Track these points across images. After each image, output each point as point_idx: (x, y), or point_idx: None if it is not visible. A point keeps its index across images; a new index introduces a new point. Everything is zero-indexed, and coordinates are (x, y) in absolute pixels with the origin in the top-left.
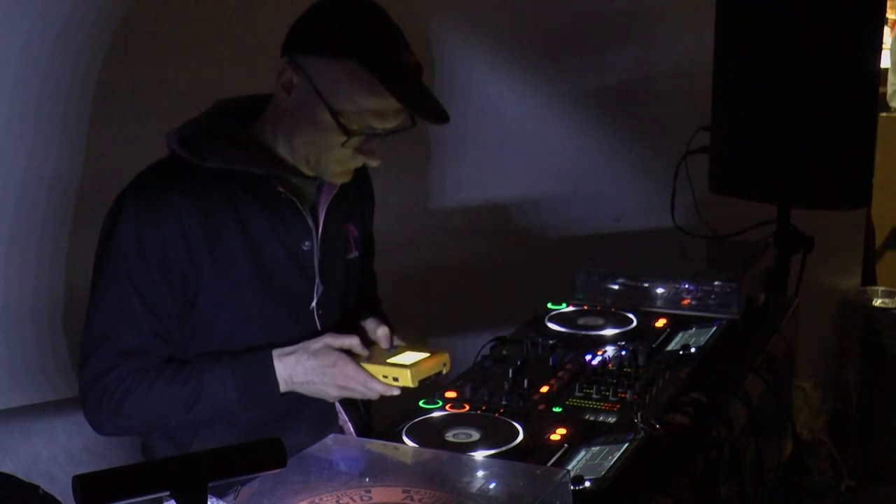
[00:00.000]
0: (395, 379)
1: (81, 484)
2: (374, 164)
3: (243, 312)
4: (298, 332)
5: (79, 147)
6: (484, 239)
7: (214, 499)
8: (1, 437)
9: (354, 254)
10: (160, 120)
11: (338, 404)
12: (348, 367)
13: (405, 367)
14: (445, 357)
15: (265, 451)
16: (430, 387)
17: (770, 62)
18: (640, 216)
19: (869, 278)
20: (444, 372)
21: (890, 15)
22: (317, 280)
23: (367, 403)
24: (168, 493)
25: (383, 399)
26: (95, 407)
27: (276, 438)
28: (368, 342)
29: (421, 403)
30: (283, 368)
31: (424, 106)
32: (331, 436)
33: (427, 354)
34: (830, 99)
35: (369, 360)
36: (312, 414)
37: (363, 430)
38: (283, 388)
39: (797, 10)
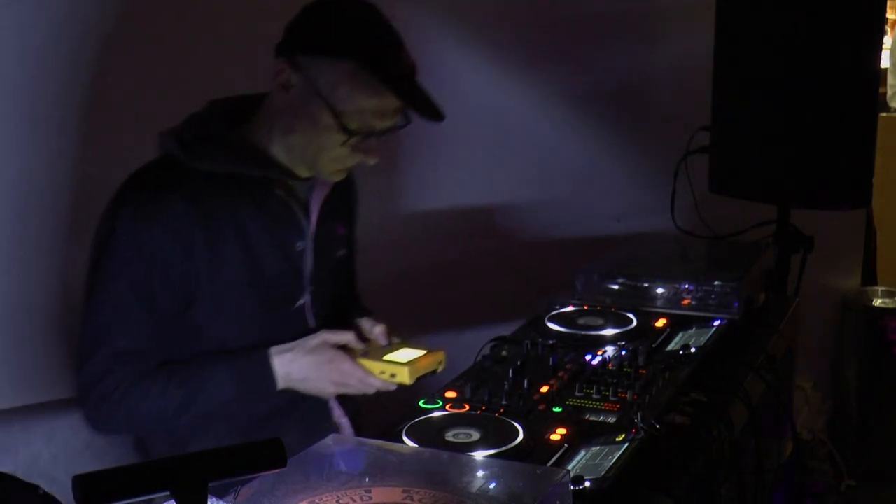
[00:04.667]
0: (392, 376)
1: (81, 484)
2: (371, 161)
3: (238, 313)
4: (292, 331)
5: (77, 147)
6: (484, 239)
7: (214, 499)
8: (1, 437)
9: (343, 252)
10: (159, 120)
11: (332, 401)
12: (345, 363)
13: (402, 364)
14: (441, 355)
15: (265, 451)
16: (427, 385)
17: (770, 62)
18: (640, 216)
19: (869, 278)
20: (440, 370)
21: (890, 15)
22: (308, 279)
23: (357, 403)
24: (168, 493)
25: (380, 399)
26: (94, 408)
27: (276, 438)
28: (364, 339)
29: (421, 403)
30: (281, 365)
31: (424, 104)
32: (331, 436)
33: (424, 352)
34: (830, 99)
35: (366, 356)
36: (305, 412)
37: (357, 428)
38: (280, 385)
39: (797, 10)
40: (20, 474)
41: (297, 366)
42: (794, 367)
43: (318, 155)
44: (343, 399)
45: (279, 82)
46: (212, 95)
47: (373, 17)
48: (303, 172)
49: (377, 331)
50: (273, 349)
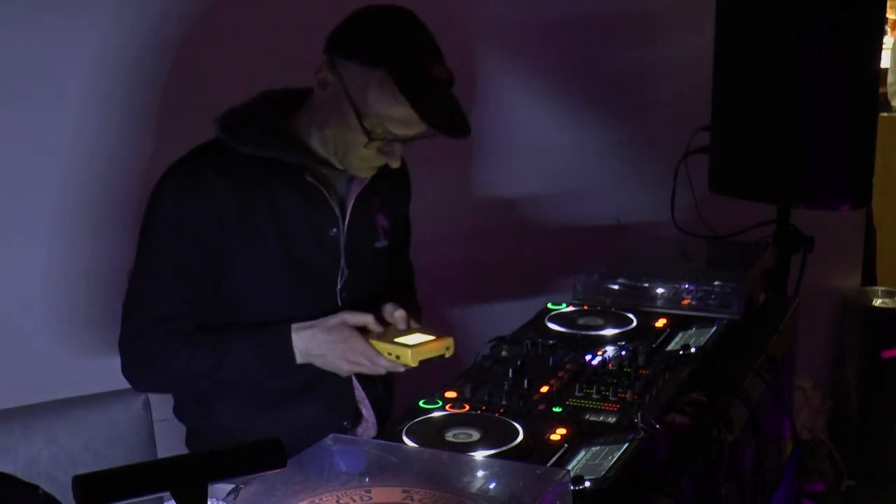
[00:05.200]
0: (398, 357)
1: (81, 484)
2: (393, 165)
3: (270, 288)
4: (322, 311)
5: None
6: (484, 239)
7: (214, 499)
8: (1, 437)
9: (383, 243)
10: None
11: (355, 380)
12: (358, 343)
13: (407, 346)
14: (450, 341)
15: (265, 451)
16: (426, 385)
17: (770, 62)
18: (640, 216)
19: (869, 278)
20: (448, 355)
21: (890, 15)
22: (342, 264)
23: (389, 388)
24: (168, 492)
25: (408, 383)
26: (129, 366)
27: (276, 438)
28: (385, 322)
29: (421, 403)
30: (300, 341)
31: (442, 119)
32: (331, 436)
33: (433, 337)
34: (830, 99)
35: (380, 337)
36: (329, 389)
37: (380, 409)
38: (299, 359)
39: (797, 10)
40: (20, 474)
41: (316, 342)
42: (794, 367)
43: (346, 152)
44: (366, 381)
45: (318, 79)
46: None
47: (410, 28)
48: (338, 165)
49: (397, 315)
50: (295, 325)
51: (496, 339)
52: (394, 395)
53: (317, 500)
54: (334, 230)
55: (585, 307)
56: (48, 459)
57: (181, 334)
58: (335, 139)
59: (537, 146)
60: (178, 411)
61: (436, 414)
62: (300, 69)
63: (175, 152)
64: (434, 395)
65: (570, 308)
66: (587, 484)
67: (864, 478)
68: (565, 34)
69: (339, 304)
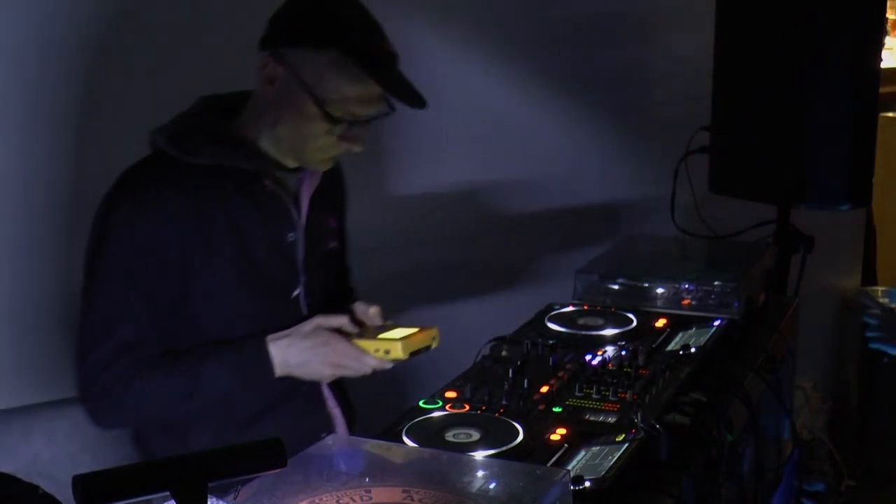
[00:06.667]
0: (387, 352)
1: (81, 484)
2: (357, 149)
3: (234, 303)
4: (286, 320)
5: (77, 146)
6: (483, 239)
7: (214, 499)
8: (1, 437)
9: (334, 244)
10: (157, 119)
11: (326, 391)
12: (340, 344)
13: (396, 340)
14: (434, 331)
15: (265, 451)
16: (426, 385)
17: (770, 62)
18: (640, 216)
19: (869, 278)
20: (434, 346)
21: (890, 15)
22: (301, 269)
23: (349, 396)
24: (168, 493)
25: (380, 397)
26: (96, 401)
27: (276, 438)
28: (358, 322)
29: (421, 403)
30: (278, 352)
31: (404, 91)
32: (331, 435)
33: (416, 329)
34: (830, 99)
35: (360, 336)
36: (299, 402)
37: (349, 416)
38: (278, 372)
39: (797, 10)
40: (20, 474)
41: (295, 350)
42: (794, 367)
43: (304, 144)
44: (335, 389)
45: (264, 75)
46: (204, 92)
47: (353, 7)
48: (291, 163)
49: (371, 311)
50: (269, 336)
51: (496, 339)
52: (353, 402)
53: (317, 500)
54: (291, 235)
55: (585, 307)
56: (48, 459)
57: (149, 361)
58: (290, 134)
59: (537, 146)
60: (142, 443)
61: (436, 414)
62: (236, 72)
63: (101, 155)
64: (434, 395)
65: (571, 308)
66: (587, 484)
67: (864, 478)
68: (565, 34)
69: (305, 311)
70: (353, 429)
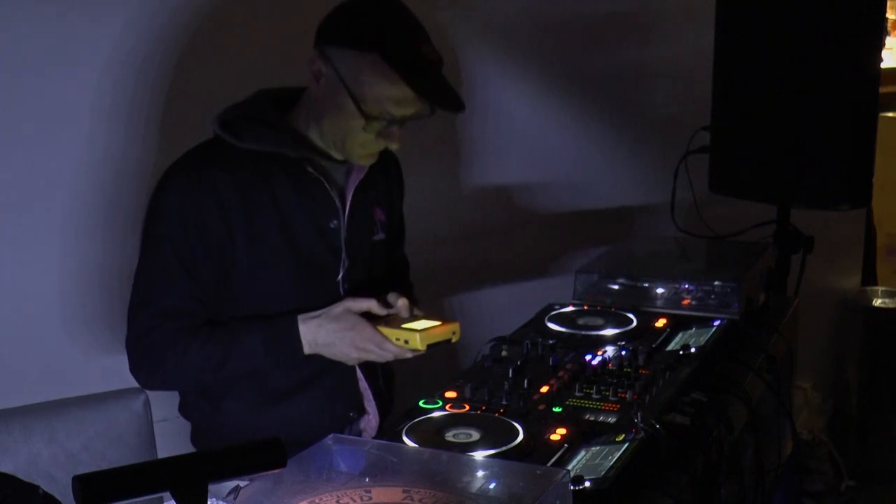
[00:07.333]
0: (406, 342)
1: (81, 484)
2: (394, 146)
3: (274, 281)
4: (325, 302)
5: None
6: (484, 239)
7: (214, 499)
8: (1, 437)
9: (380, 236)
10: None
11: (358, 371)
12: (365, 329)
13: (415, 331)
14: (456, 326)
15: (265, 451)
16: (426, 385)
17: (770, 63)
18: (640, 216)
19: (869, 278)
20: (454, 340)
21: (890, 15)
22: (343, 255)
23: (390, 381)
24: (168, 492)
25: (408, 383)
26: (138, 363)
27: (277, 438)
28: (388, 307)
29: (421, 403)
30: (307, 331)
31: (437, 94)
32: (331, 436)
33: (439, 322)
34: (831, 99)
35: (387, 324)
36: (333, 381)
37: (381, 401)
38: (306, 350)
39: (797, 11)
40: (20, 474)
41: (324, 332)
42: (794, 367)
43: (345, 139)
44: (368, 372)
45: (312, 72)
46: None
47: (397, 12)
48: (337, 156)
49: (399, 303)
50: (301, 316)
51: (496, 339)
52: (393, 389)
53: (317, 500)
54: (335, 222)
55: (585, 307)
56: (48, 459)
57: (190, 329)
58: (333, 128)
59: (537, 146)
60: (185, 409)
61: (436, 414)
62: (296, 68)
63: (179, 152)
64: (434, 395)
65: (570, 308)
66: (587, 484)
67: (864, 478)
68: (565, 34)
69: (342, 294)
70: (387, 411)
